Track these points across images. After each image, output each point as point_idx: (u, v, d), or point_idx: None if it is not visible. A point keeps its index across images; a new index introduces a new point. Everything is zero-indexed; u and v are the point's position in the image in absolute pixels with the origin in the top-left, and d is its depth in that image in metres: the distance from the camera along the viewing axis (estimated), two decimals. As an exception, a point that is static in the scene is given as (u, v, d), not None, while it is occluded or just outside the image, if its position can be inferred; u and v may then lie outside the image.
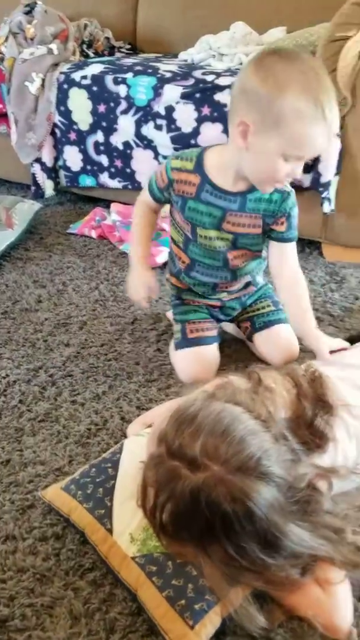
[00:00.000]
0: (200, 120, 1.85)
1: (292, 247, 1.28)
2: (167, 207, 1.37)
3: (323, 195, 1.76)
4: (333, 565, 0.82)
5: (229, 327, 1.51)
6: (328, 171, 1.72)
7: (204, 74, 1.93)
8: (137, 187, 2.08)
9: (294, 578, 0.80)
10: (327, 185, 1.74)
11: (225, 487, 0.77)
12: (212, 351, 1.35)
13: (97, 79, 2.02)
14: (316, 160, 1.70)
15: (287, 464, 0.84)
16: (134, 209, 1.40)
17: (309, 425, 0.93)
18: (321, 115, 1.00)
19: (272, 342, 1.36)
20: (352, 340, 1.28)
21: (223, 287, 1.36)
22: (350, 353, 1.21)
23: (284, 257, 1.28)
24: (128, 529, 0.91)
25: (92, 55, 2.42)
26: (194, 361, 1.32)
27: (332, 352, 1.19)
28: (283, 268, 1.29)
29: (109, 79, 2.00)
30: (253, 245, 1.28)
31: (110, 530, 0.91)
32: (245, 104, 1.04)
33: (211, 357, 1.34)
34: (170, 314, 1.56)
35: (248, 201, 1.21)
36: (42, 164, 2.22)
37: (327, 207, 1.77)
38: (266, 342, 1.37)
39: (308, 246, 1.96)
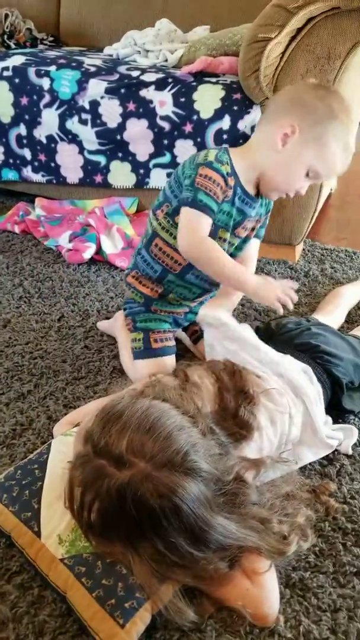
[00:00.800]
0: (126, 115, 1.84)
1: (258, 243, 1.40)
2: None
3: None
4: (260, 555, 0.84)
5: (181, 336, 1.49)
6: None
7: (128, 69, 1.92)
8: (62, 182, 2.05)
9: (222, 571, 0.82)
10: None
11: (152, 483, 0.77)
12: (172, 361, 1.33)
13: (19, 71, 1.97)
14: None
15: (214, 458, 0.85)
16: (201, 245, 1.16)
17: (234, 416, 0.95)
18: (350, 148, 1.17)
19: None
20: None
21: (207, 293, 1.37)
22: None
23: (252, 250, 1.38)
24: (56, 531, 0.89)
25: (13, 46, 2.36)
26: (156, 372, 1.26)
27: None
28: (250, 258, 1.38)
29: (31, 71, 1.95)
30: (242, 250, 1.34)
31: (37, 533, 0.90)
32: (298, 112, 1.14)
33: (171, 367, 1.32)
34: (102, 325, 1.53)
35: (259, 206, 1.28)
36: None
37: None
38: None
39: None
